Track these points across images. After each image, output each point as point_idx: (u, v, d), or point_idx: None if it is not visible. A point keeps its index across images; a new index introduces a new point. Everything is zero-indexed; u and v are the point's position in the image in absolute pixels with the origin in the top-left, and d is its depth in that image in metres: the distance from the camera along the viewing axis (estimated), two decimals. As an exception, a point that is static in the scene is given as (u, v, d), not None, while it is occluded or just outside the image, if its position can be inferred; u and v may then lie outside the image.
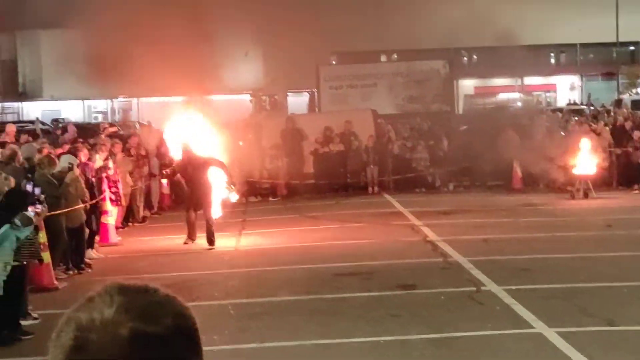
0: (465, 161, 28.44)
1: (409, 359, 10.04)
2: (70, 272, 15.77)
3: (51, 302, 13.52)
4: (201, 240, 18.67)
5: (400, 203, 24.54)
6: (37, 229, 13.02)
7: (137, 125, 43.02)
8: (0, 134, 22.30)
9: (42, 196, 13.00)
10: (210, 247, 18.31)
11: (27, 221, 11.57)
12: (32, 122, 45.18)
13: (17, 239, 11.41)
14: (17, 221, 11.36)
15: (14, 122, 43.31)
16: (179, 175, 19.84)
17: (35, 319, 12.24)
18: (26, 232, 11.59)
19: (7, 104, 62.09)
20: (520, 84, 64.03)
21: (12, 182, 12.56)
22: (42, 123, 42.80)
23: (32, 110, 61.69)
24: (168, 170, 20.57)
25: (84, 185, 16.24)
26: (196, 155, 18.99)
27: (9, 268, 11.35)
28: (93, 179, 17.90)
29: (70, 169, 15.81)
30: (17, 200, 11.93)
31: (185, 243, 18.68)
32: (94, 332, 1.59)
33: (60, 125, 35.65)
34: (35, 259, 12.16)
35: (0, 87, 60.90)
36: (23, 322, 11.98)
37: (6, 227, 11.32)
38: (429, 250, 17.18)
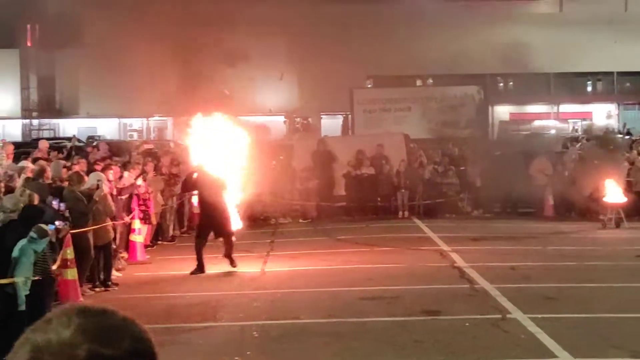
0: (496, 187, 28.33)
1: (430, 386, 9.98)
2: (97, 289, 15.84)
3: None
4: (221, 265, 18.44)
5: (430, 228, 24.46)
6: (60, 245, 13.11)
7: (172, 144, 43.26)
8: (34, 150, 22.52)
9: (67, 212, 13.10)
10: (233, 266, 18.03)
11: (43, 233, 11.66)
12: (69, 139, 45.50)
13: (35, 252, 11.50)
14: (33, 234, 11.46)
15: (49, 139, 43.76)
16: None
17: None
18: (43, 244, 11.66)
19: (44, 121, 62.54)
20: (556, 111, 63.72)
21: (36, 198, 12.66)
22: (79, 140, 43.11)
23: (69, 127, 62.18)
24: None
25: (112, 203, 16.35)
26: (211, 175, 18.37)
27: (29, 283, 11.44)
28: (121, 197, 18.01)
29: (99, 186, 15.93)
30: (33, 215, 12.02)
31: (192, 273, 17.71)
32: (50, 354, 1.59)
33: (93, 142, 35.85)
34: (45, 275, 12.21)
35: (37, 104, 61.44)
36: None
37: (23, 241, 11.41)
38: (456, 276, 17.09)
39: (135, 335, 1.68)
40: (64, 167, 17.82)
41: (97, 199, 15.66)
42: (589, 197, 25.82)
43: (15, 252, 11.35)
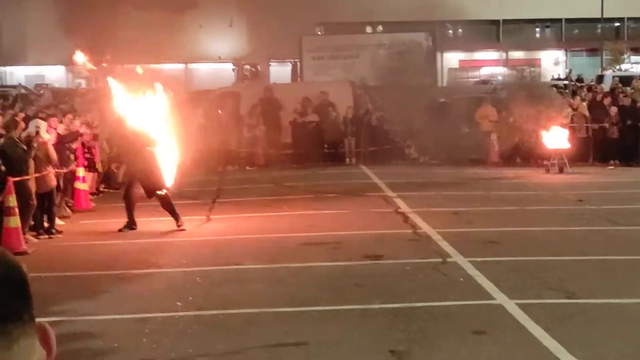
0: (443, 134, 28.55)
1: (368, 328, 10.12)
2: (41, 237, 15.80)
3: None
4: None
5: (376, 175, 24.62)
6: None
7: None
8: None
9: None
10: (178, 225, 16.71)
11: None
12: (14, 86, 45.03)
13: None
14: None
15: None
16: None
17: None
18: None
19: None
20: (505, 58, 64.06)
21: None
22: (25, 88, 42.68)
23: (16, 74, 61.43)
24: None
25: (53, 150, 16.23)
26: (134, 131, 16.94)
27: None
28: (66, 145, 17.89)
29: (37, 132, 15.77)
30: None
31: (120, 230, 16.57)
32: None
33: (40, 90, 35.50)
34: None
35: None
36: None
37: None
38: (400, 221, 17.28)
39: (7, 263, 1.72)
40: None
41: (34, 145, 15.53)
42: (534, 143, 26.12)
43: None
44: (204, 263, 13.77)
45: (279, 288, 12.15)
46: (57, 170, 16.77)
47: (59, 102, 23.60)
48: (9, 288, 1.68)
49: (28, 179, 15.20)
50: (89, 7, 31.69)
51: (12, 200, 14.42)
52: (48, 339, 1.75)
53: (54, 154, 16.22)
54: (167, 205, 16.81)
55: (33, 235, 15.75)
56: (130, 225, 16.64)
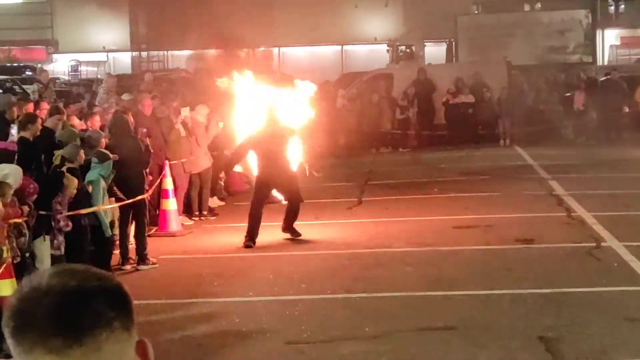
0: (602, 114, 27.86)
1: (517, 313, 10.02)
2: (194, 219, 16.20)
3: (175, 248, 14.02)
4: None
5: (531, 156, 24.21)
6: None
7: (278, 75, 43.40)
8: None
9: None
10: (295, 236, 14.53)
11: (103, 156, 11.88)
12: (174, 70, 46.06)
13: (102, 177, 11.74)
14: (94, 159, 11.70)
15: (156, 71, 44.37)
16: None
17: (153, 264, 12.68)
18: (107, 168, 11.88)
19: (152, 53, 63.33)
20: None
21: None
22: (186, 72, 43.66)
23: (178, 59, 62.88)
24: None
25: (207, 133, 16.59)
26: (280, 125, 15.00)
27: (109, 214, 11.81)
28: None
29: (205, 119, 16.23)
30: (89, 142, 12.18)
31: (246, 246, 13.99)
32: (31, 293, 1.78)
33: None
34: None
35: (145, 36, 62.10)
36: (142, 267, 12.47)
37: (92, 173, 11.65)
38: (554, 204, 16.95)
39: (103, 278, 1.83)
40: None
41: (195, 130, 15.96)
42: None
43: (86, 181, 11.58)
44: (354, 246, 13.86)
45: (428, 271, 12.14)
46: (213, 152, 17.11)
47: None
48: (102, 298, 1.80)
49: (184, 161, 15.60)
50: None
51: (168, 183, 14.84)
52: (147, 353, 1.88)
53: (206, 137, 16.51)
54: (294, 218, 14.68)
55: (189, 217, 16.14)
56: (252, 239, 14.13)
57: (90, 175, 11.56)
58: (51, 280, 1.79)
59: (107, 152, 11.94)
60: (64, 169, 10.81)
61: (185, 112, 16.09)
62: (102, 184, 11.71)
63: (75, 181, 10.78)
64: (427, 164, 23.30)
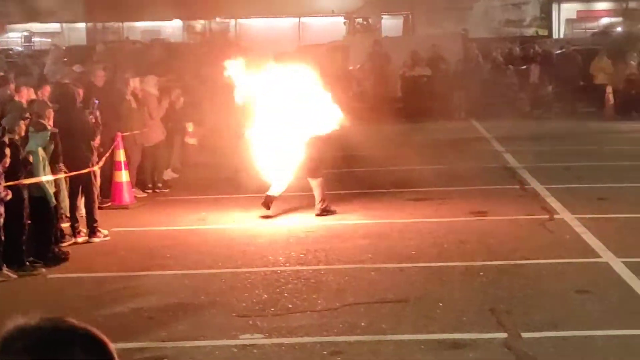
0: (557, 87, 28.00)
1: (470, 286, 10.04)
2: (148, 192, 16.06)
3: (127, 220, 13.90)
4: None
5: (486, 129, 24.28)
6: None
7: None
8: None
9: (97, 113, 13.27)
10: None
11: (39, 126, 11.68)
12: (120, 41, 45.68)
13: (38, 146, 11.53)
14: (31, 128, 11.49)
15: (110, 42, 43.87)
16: None
17: (105, 236, 12.56)
18: (43, 137, 11.67)
19: (108, 24, 62.66)
20: (625, 7, 62.15)
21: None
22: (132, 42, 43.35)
23: (133, 30, 62.31)
24: None
25: (158, 105, 16.41)
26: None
27: (52, 184, 11.64)
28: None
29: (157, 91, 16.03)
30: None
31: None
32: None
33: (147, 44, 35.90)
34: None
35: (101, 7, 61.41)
36: (93, 239, 12.34)
37: (30, 143, 11.45)
38: (508, 176, 17.03)
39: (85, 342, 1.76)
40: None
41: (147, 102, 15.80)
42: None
43: (26, 151, 11.37)
44: (308, 218, 13.82)
45: (382, 244, 12.13)
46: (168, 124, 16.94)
47: (171, 57, 23.82)
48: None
49: (137, 133, 15.43)
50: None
51: (120, 155, 14.69)
52: None
53: (156, 111, 16.34)
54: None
55: (141, 189, 16.00)
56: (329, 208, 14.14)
57: (29, 146, 11.37)
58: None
59: (45, 122, 11.72)
60: (5, 139, 10.61)
61: (135, 83, 15.87)
62: (41, 153, 11.50)
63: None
64: (382, 137, 23.22)
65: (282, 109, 14.22)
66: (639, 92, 26.45)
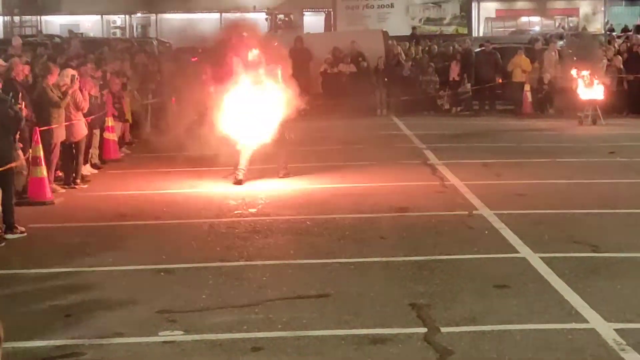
0: (476, 84, 28.37)
1: (390, 280, 10.08)
2: (67, 187, 15.85)
3: (45, 216, 13.69)
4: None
5: (407, 126, 24.49)
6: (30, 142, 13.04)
7: (155, 42, 42.86)
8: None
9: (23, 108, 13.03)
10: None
11: None
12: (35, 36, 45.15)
13: None
14: None
15: (29, 36, 43.28)
16: None
17: (22, 232, 12.34)
18: None
19: (25, 17, 61.63)
20: (543, 7, 63.11)
21: None
22: (49, 36, 42.78)
23: (51, 24, 61.39)
24: None
25: (83, 99, 16.20)
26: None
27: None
28: (95, 94, 17.83)
29: (72, 81, 15.76)
30: None
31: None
32: None
33: (65, 38, 35.51)
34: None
35: (18, 0, 60.42)
36: (9, 236, 12.12)
37: None
38: (428, 173, 17.20)
39: None
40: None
41: (69, 94, 15.54)
42: (567, 94, 25.84)
43: None
44: (229, 214, 13.78)
45: (303, 239, 12.14)
46: (87, 119, 16.73)
47: (89, 51, 23.57)
48: None
49: (55, 127, 15.21)
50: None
51: (39, 150, 14.47)
52: None
53: (83, 103, 16.18)
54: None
55: (60, 185, 15.79)
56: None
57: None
58: None
59: None
60: None
61: (58, 76, 15.62)
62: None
63: None
64: (304, 133, 23.22)
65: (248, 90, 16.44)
66: (556, 90, 26.88)
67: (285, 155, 17.05)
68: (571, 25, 63.17)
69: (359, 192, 15.34)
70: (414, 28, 40.37)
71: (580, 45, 27.35)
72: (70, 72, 16.04)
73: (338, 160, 18.61)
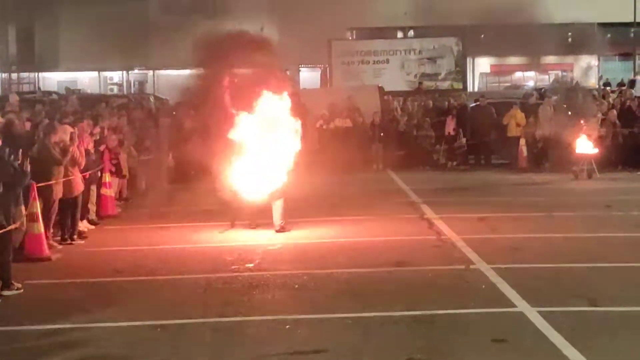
0: (472, 139, 28.52)
1: (388, 335, 10.07)
2: (64, 243, 15.83)
3: (42, 272, 13.66)
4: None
5: (403, 180, 24.57)
6: (27, 200, 13.06)
7: (152, 98, 43.11)
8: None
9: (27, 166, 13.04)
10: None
11: None
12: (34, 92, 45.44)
13: None
14: None
15: (27, 93, 43.50)
16: None
17: (18, 289, 12.32)
18: None
19: (23, 74, 62.02)
20: (537, 62, 63.62)
21: None
22: (47, 93, 43.08)
23: (49, 81, 61.79)
24: None
25: (80, 156, 16.27)
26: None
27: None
28: (92, 150, 17.90)
29: (72, 138, 15.82)
30: None
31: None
32: None
33: (63, 95, 35.73)
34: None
35: (16, 57, 60.82)
36: (6, 292, 12.09)
37: None
38: (425, 227, 17.21)
39: None
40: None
41: (69, 152, 15.60)
42: (563, 148, 25.98)
43: None
44: (226, 269, 13.76)
45: (301, 295, 12.13)
46: (85, 174, 16.78)
47: (86, 108, 23.74)
48: None
49: (54, 184, 15.24)
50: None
51: (36, 207, 14.49)
52: None
53: (81, 159, 16.25)
54: None
55: (58, 242, 15.79)
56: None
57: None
58: None
59: None
60: None
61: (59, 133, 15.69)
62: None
63: None
64: (300, 188, 23.26)
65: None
66: (551, 145, 27.01)
67: (282, 209, 17.11)
68: (565, 80, 63.65)
69: (356, 246, 15.35)
70: (420, 83, 40.72)
71: (574, 100, 27.53)
72: (69, 129, 16.10)
73: (334, 214, 18.65)
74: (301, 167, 23.65)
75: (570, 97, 28.33)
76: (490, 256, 14.07)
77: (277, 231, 16.84)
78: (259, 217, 17.33)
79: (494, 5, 46.88)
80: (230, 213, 17.26)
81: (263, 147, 16.97)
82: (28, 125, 15.73)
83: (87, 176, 17.10)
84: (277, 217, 17.10)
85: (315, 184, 22.55)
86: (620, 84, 48.56)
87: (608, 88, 40.49)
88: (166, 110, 29.84)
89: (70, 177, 15.94)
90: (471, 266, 13.58)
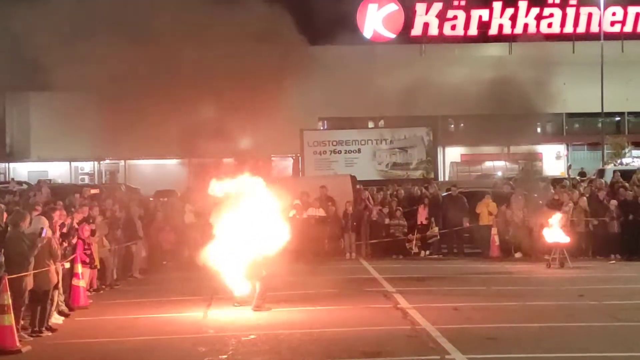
0: (444, 228, 28.61)
1: None
2: (34, 335, 15.59)
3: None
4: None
5: (376, 269, 24.53)
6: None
7: (123, 188, 43.09)
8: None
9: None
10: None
11: None
12: (7, 183, 45.38)
13: None
14: None
15: (-2, 183, 43.38)
16: None
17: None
18: None
19: (-8, 164, 61.95)
20: (507, 152, 64.26)
21: None
22: (18, 183, 43.06)
23: (20, 171, 61.67)
24: None
25: (56, 246, 16.16)
26: None
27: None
28: (64, 242, 17.77)
29: (42, 230, 15.67)
30: None
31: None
32: None
33: (34, 186, 35.65)
34: None
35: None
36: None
37: None
38: (399, 317, 17.12)
39: None
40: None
41: (39, 244, 15.44)
42: (535, 237, 26.12)
43: None
44: (199, 356, 13.60)
45: (274, 387, 11.98)
46: (57, 264, 16.61)
47: (58, 198, 23.65)
48: None
49: (24, 276, 15.07)
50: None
51: (7, 298, 14.30)
52: None
53: (57, 251, 16.13)
54: None
55: (28, 334, 15.55)
56: None
57: None
58: None
59: None
60: None
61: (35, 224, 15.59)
62: None
63: None
64: (275, 277, 23.17)
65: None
66: (523, 233, 27.14)
67: (262, 289, 18.14)
68: (534, 169, 64.23)
69: (329, 336, 15.22)
70: (408, 175, 41.23)
71: (539, 190, 27.89)
72: (43, 220, 15.99)
73: (308, 303, 18.55)
74: (276, 256, 23.73)
75: (535, 187, 28.66)
76: (466, 346, 13.99)
77: (254, 310, 17.79)
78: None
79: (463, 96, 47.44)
80: (209, 289, 17.49)
81: (246, 227, 18.37)
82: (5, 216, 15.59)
83: (62, 267, 16.95)
84: (256, 295, 18.06)
85: (287, 273, 22.49)
86: (581, 174, 49.12)
87: (582, 178, 40.82)
88: (138, 200, 29.83)
89: (45, 269, 15.76)
90: (446, 356, 13.49)
